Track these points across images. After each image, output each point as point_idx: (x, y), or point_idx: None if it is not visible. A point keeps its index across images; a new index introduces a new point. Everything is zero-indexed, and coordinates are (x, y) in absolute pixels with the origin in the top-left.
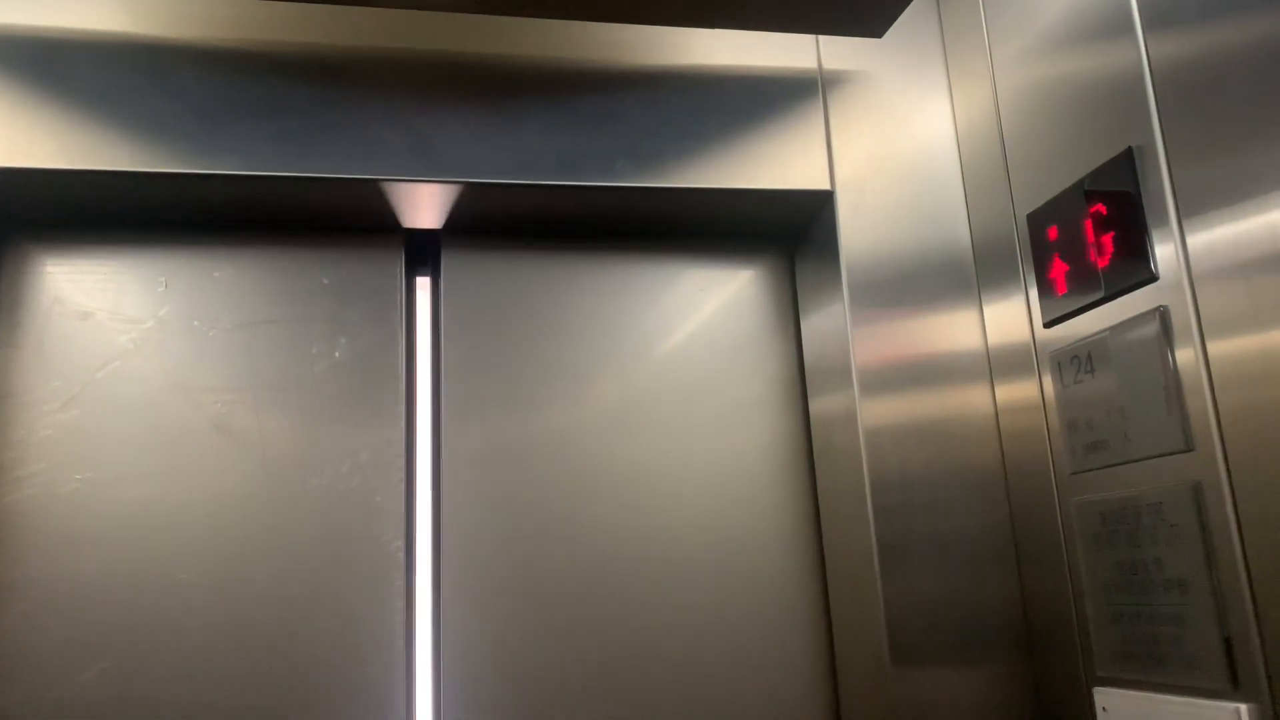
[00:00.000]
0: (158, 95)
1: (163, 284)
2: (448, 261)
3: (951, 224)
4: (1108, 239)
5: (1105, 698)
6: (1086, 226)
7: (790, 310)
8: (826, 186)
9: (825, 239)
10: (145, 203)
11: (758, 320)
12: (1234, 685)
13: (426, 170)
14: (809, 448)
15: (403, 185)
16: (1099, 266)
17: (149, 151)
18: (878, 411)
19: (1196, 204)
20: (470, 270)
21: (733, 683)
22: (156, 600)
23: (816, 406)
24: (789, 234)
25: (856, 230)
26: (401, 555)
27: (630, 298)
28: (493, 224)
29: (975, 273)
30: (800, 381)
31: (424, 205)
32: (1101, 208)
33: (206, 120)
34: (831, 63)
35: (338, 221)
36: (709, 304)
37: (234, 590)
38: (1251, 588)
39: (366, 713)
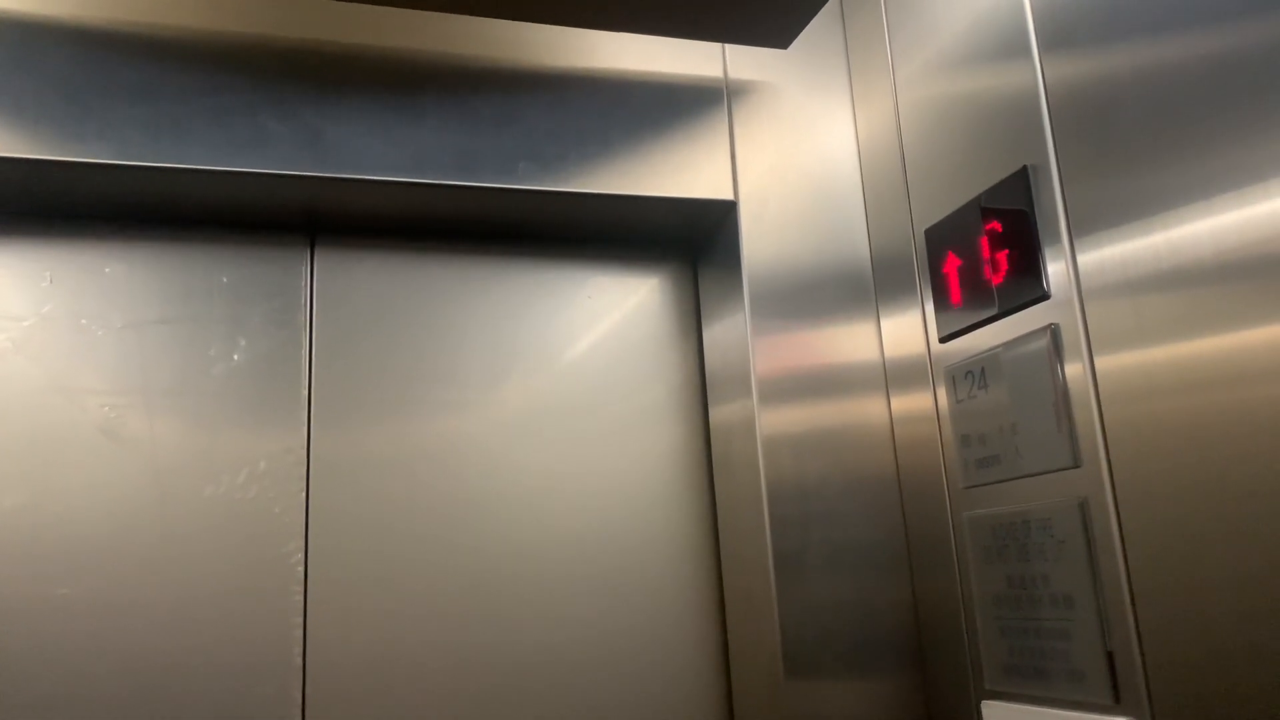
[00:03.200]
0: (20, 74)
1: (47, 279)
2: (326, 261)
3: (851, 237)
4: (1002, 256)
5: (992, 711)
6: (982, 244)
7: (692, 319)
8: (730, 197)
9: (728, 249)
10: (25, 192)
11: (659, 328)
12: (1115, 700)
13: (316, 164)
14: (708, 457)
15: (290, 179)
16: (993, 283)
17: (8, 135)
18: (776, 421)
19: (1087, 223)
20: (357, 271)
21: (626, 698)
22: (33, 618)
23: (716, 415)
24: (692, 242)
25: (758, 241)
26: (301, 569)
27: (529, 304)
28: (384, 224)
29: (874, 286)
30: (701, 390)
31: (314, 201)
32: (997, 225)
33: (75, 103)
34: (738, 72)
35: (239, 217)
36: (610, 311)
37: (120, 607)
38: (1133, 603)
39: None
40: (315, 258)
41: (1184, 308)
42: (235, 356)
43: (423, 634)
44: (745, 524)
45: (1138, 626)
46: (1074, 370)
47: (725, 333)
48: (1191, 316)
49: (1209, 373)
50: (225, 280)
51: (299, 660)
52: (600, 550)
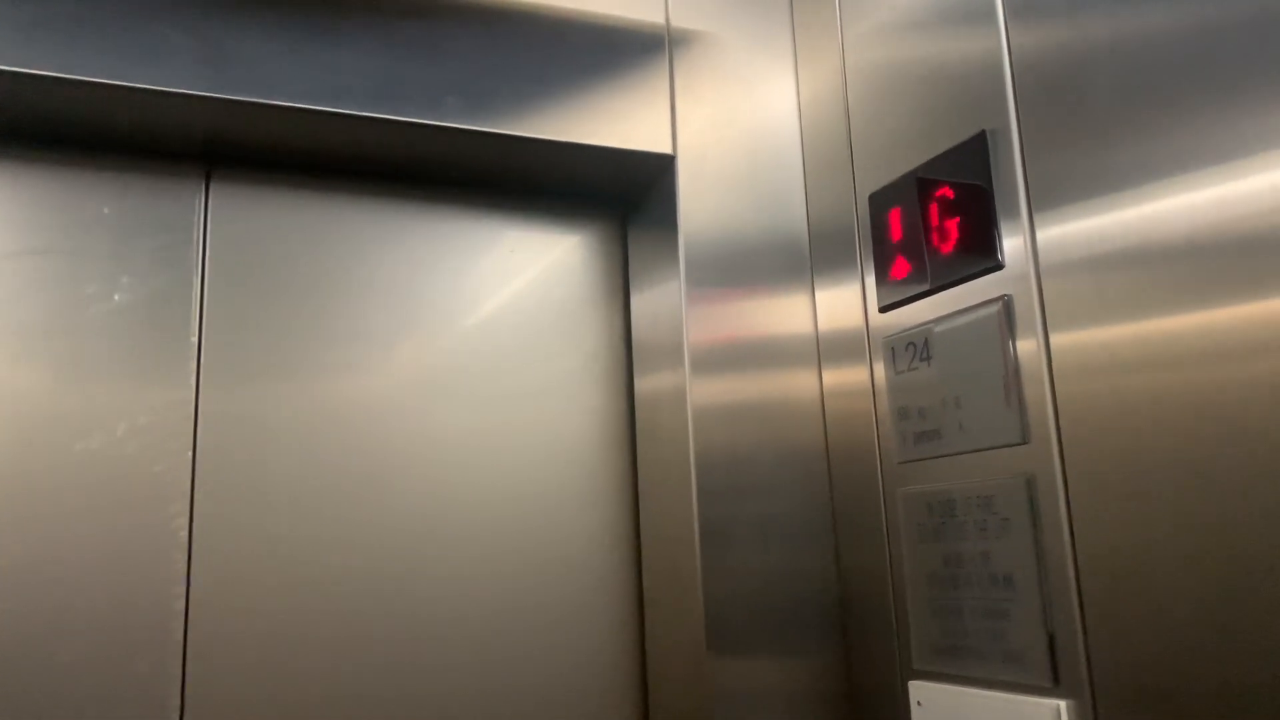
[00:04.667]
0: None
1: None
2: (223, 195)
3: (789, 202)
4: (952, 224)
5: (921, 691)
6: (931, 211)
7: (620, 281)
8: (668, 150)
9: (663, 207)
10: None
11: (584, 289)
12: (1055, 682)
13: (217, 84)
14: (631, 427)
15: (186, 99)
16: (942, 252)
17: None
18: (708, 392)
19: (1049, 194)
20: (258, 208)
21: (535, 672)
22: None
23: (643, 384)
24: (624, 198)
25: (696, 200)
26: (184, 534)
27: (445, 255)
28: (291, 157)
29: (810, 254)
30: (626, 356)
31: (213, 126)
32: (948, 191)
33: None
34: (680, 20)
35: (125, 140)
36: (532, 268)
37: None
38: (1079, 585)
39: (135, 713)
40: (211, 191)
41: (1151, 285)
42: (116, 297)
43: (318, 606)
44: (670, 496)
45: (1082, 608)
46: (1026, 345)
47: (657, 298)
48: (1159, 294)
49: (1175, 351)
50: (107, 211)
51: (179, 635)
52: (511, 521)
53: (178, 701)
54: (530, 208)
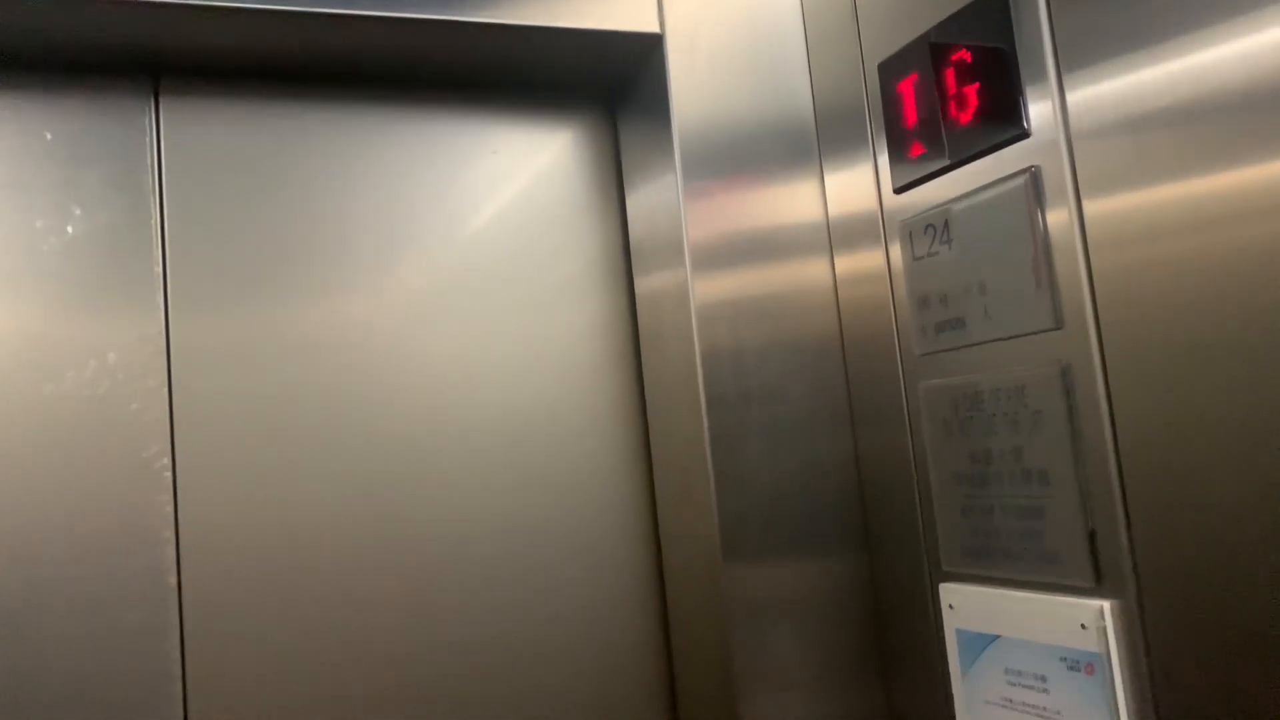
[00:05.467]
0: None
1: None
2: (174, 111)
3: (791, 79)
4: (971, 90)
5: (952, 594)
6: (947, 77)
7: (613, 179)
8: (655, 29)
9: (653, 94)
10: None
11: (576, 190)
12: (1097, 581)
13: None
14: (634, 332)
15: (126, 6)
16: (961, 123)
17: None
18: (711, 290)
19: (1080, 51)
20: (214, 123)
21: (549, 593)
22: None
23: (643, 286)
24: (611, 88)
25: (688, 84)
26: (168, 474)
27: (424, 163)
28: (244, 64)
29: (816, 133)
30: (624, 258)
31: (157, 36)
32: (966, 55)
33: None
34: None
35: (62, 56)
36: (519, 172)
37: None
38: (1121, 478)
39: (131, 667)
40: (160, 107)
41: (1200, 141)
42: (69, 229)
43: (317, 542)
44: (677, 400)
45: (1125, 502)
46: (1058, 220)
47: (653, 195)
48: (1209, 150)
49: (1226, 209)
50: (49, 137)
51: (174, 580)
52: (515, 439)
53: (178, 647)
54: (512, 105)
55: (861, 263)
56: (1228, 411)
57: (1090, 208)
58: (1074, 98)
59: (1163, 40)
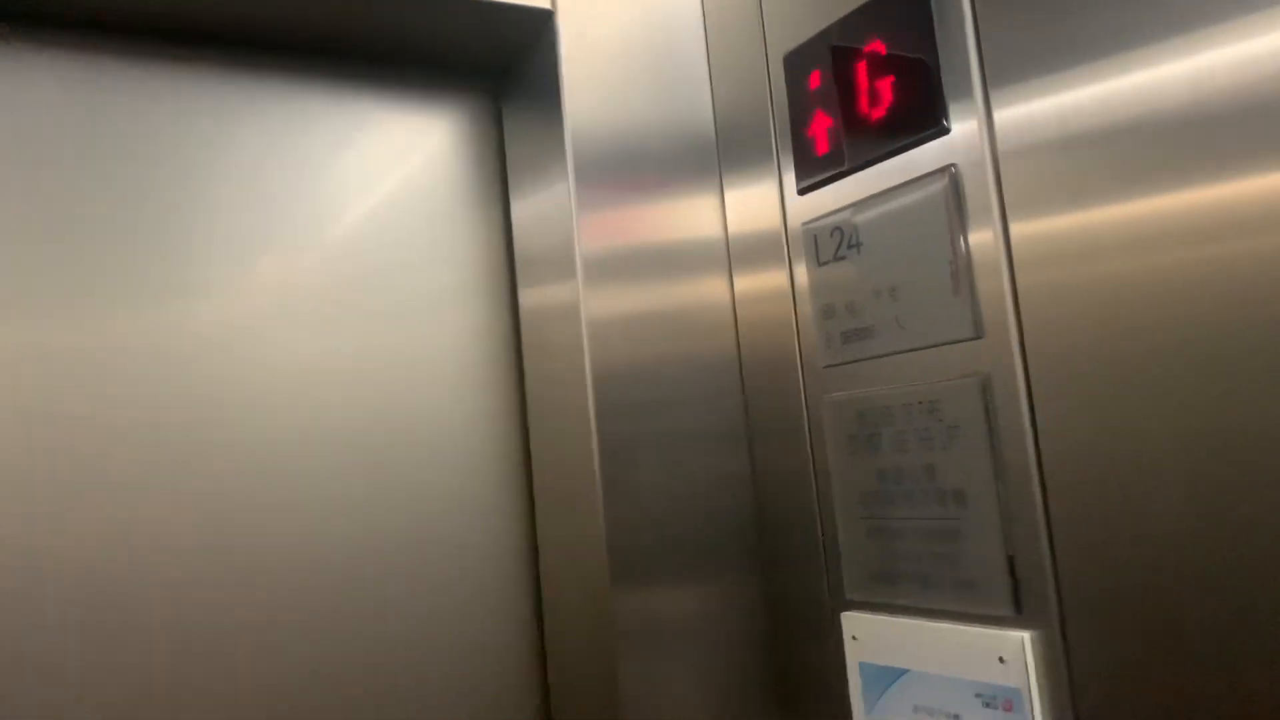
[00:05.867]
0: None
1: None
2: None
3: (691, 70)
4: (886, 85)
5: (855, 624)
6: (859, 70)
7: (496, 176)
8: (545, 3)
9: (543, 81)
10: None
11: (456, 188)
12: (1017, 610)
13: None
14: (516, 344)
15: None
16: (873, 119)
17: None
18: (604, 304)
19: (1006, 39)
20: (38, 82)
21: (412, 622)
22: None
23: (529, 297)
24: (497, 71)
25: (582, 71)
26: None
27: (288, 145)
28: (74, 14)
29: (716, 134)
30: (508, 266)
31: None
32: (880, 46)
33: None
34: None
35: None
36: (392, 162)
37: None
38: (1045, 498)
39: None
40: None
41: (1137, 163)
42: None
43: (147, 568)
44: (564, 416)
45: (1049, 525)
46: (979, 220)
47: (542, 200)
48: (1145, 172)
49: (1165, 230)
50: None
51: None
52: (380, 459)
53: None
54: (388, 83)
55: (763, 273)
56: (1159, 431)
57: (1017, 213)
58: (1000, 86)
59: (1095, 58)
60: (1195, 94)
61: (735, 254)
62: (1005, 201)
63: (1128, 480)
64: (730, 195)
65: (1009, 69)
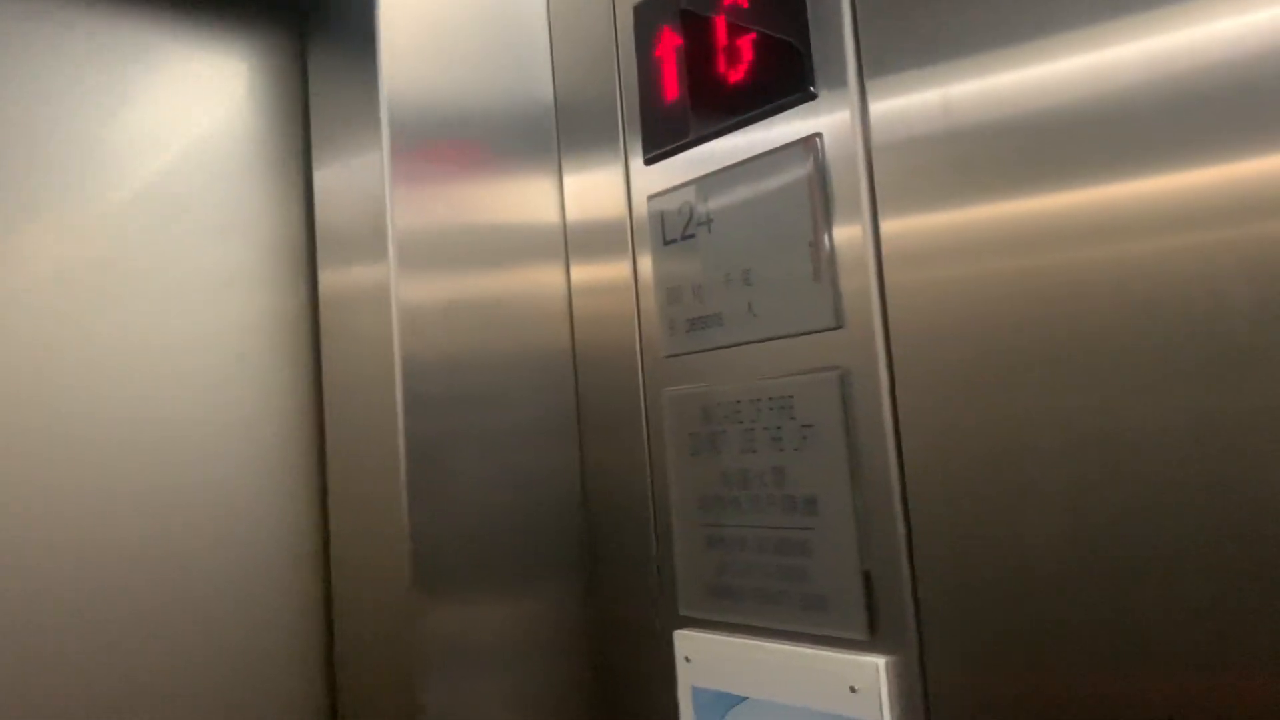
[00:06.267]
0: None
1: None
2: None
3: (529, 24)
4: (746, 42)
5: (689, 644)
6: (717, 25)
7: (298, 135)
8: None
9: (356, 16)
10: None
11: (252, 148)
12: (872, 633)
13: None
14: (313, 329)
15: None
16: (729, 80)
17: None
18: (419, 289)
19: (884, 22)
20: None
21: (182, 631)
22: None
23: (331, 278)
24: (299, 4)
25: (404, 10)
26: None
27: (57, 91)
28: None
29: (555, 93)
30: (309, 241)
31: None
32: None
33: None
34: None
35: None
36: (176, 116)
37: None
38: (906, 509)
39: None
40: None
41: (1017, 161)
42: None
43: None
44: (367, 410)
45: (910, 539)
46: (844, 198)
47: (351, 168)
48: (1026, 171)
49: (1045, 229)
50: None
51: None
52: (161, 446)
53: None
54: (178, 13)
55: (603, 256)
56: (1034, 438)
57: (885, 188)
58: (876, 91)
59: (980, 51)
60: (1080, 92)
61: (573, 235)
62: (873, 161)
63: (998, 489)
64: (569, 164)
65: (887, 50)
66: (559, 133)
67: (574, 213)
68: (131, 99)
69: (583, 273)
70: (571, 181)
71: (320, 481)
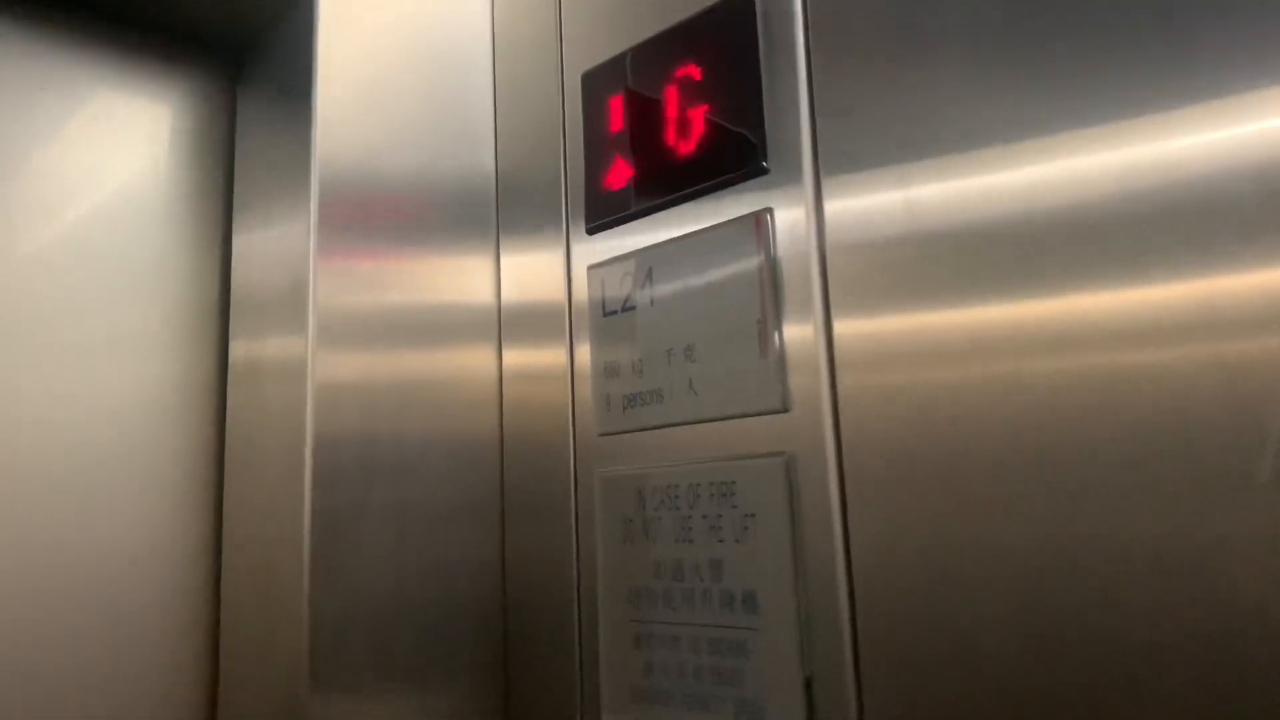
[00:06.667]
0: None
1: None
2: None
3: (473, 86)
4: (697, 113)
5: None
6: (668, 95)
7: (218, 181)
8: None
9: (291, 61)
10: None
11: (170, 196)
12: None
13: None
14: (220, 403)
15: None
16: (679, 152)
17: None
18: (339, 367)
19: (839, 59)
20: None
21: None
22: None
23: (243, 348)
24: (234, 41)
25: (343, 65)
26: None
27: None
28: None
29: (496, 162)
30: (221, 303)
31: None
32: (694, 69)
33: None
34: None
35: None
36: (100, 150)
37: None
38: (853, 608)
39: None
40: None
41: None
42: None
43: None
44: (271, 488)
45: (855, 642)
46: (794, 274)
47: (275, 230)
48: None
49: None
50: None
51: None
52: (41, 510)
53: None
54: (103, 46)
55: (539, 336)
56: (991, 537)
57: (837, 261)
58: (828, 119)
59: (944, 153)
60: (1048, 201)
61: (507, 315)
62: (825, 239)
63: (952, 590)
64: (508, 237)
65: (838, 56)
66: (499, 204)
67: (510, 292)
68: (49, 138)
69: (515, 356)
70: (510, 258)
71: (215, 559)
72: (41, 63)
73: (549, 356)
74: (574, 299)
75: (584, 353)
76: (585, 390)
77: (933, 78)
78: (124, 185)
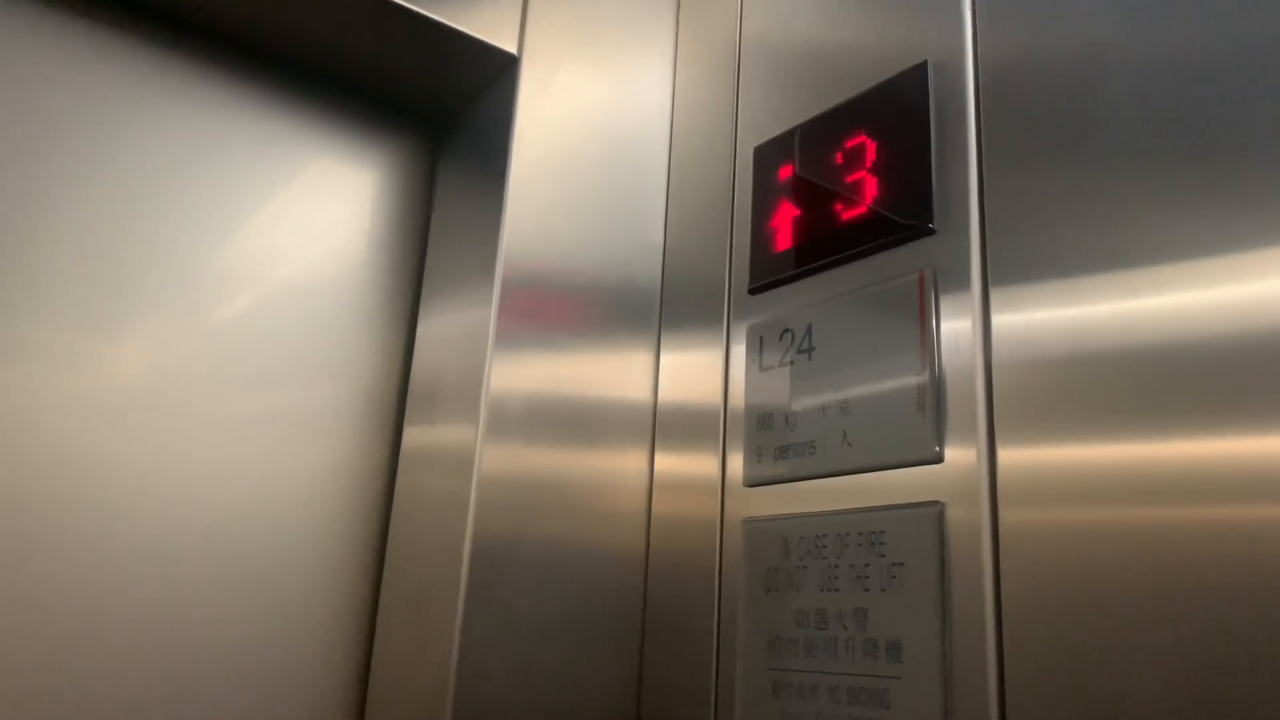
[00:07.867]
0: None
1: None
2: None
3: (650, 166)
4: (867, 180)
5: None
6: (835, 161)
7: (411, 260)
8: (512, 48)
9: (489, 136)
10: None
11: (366, 274)
12: None
13: None
14: (387, 486)
15: None
16: (843, 218)
17: None
18: (503, 458)
19: (1009, 130)
20: None
21: None
22: None
23: (415, 434)
24: (436, 115)
25: (532, 134)
26: None
27: (181, 178)
28: None
29: (665, 230)
30: (400, 390)
31: None
32: (865, 137)
33: None
34: None
35: None
36: (298, 222)
37: None
38: (1000, 659)
39: None
40: None
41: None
42: None
43: None
44: (425, 569)
45: (1002, 694)
46: (958, 326)
47: (457, 317)
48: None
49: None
50: None
51: None
52: (221, 582)
53: None
54: (311, 109)
55: (687, 383)
56: (1148, 599)
57: (1001, 320)
58: (996, 178)
59: (1120, 268)
60: (1234, 327)
61: (663, 415)
62: (991, 293)
63: (1106, 648)
64: (669, 327)
65: (1008, 123)
66: (664, 284)
67: (667, 390)
68: (260, 204)
69: (667, 459)
70: (670, 353)
71: (367, 652)
72: (271, 124)
73: (700, 464)
74: (730, 404)
75: (736, 461)
76: (734, 440)
77: (1108, 188)
78: (326, 252)
